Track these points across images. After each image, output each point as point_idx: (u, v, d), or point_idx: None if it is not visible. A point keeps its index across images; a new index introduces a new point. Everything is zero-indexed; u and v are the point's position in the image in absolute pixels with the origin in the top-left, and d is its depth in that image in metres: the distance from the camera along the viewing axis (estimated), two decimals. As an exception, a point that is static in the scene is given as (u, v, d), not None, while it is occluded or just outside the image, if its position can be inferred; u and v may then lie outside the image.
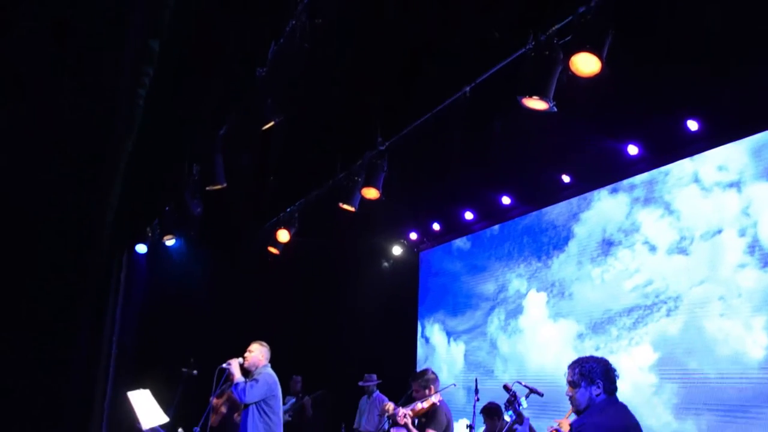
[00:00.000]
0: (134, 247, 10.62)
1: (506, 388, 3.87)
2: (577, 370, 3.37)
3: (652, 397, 6.24)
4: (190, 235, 10.25)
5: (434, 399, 5.21)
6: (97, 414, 10.06)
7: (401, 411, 5.17)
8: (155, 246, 10.67)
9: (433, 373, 5.53)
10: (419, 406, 5.21)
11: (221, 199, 8.49)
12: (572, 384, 3.37)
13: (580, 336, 7.19)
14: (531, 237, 8.26)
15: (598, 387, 3.30)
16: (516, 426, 3.73)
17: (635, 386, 6.42)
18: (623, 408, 3.37)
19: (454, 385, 6.42)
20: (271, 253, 9.86)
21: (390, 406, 5.30)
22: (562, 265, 7.67)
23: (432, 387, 5.37)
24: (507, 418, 4.56)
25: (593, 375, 3.31)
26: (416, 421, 5.23)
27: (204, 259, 11.01)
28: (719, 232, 5.92)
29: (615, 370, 3.40)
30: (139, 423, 6.79)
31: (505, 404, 3.83)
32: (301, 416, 9.52)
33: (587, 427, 3.23)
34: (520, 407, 3.73)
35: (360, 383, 9.17)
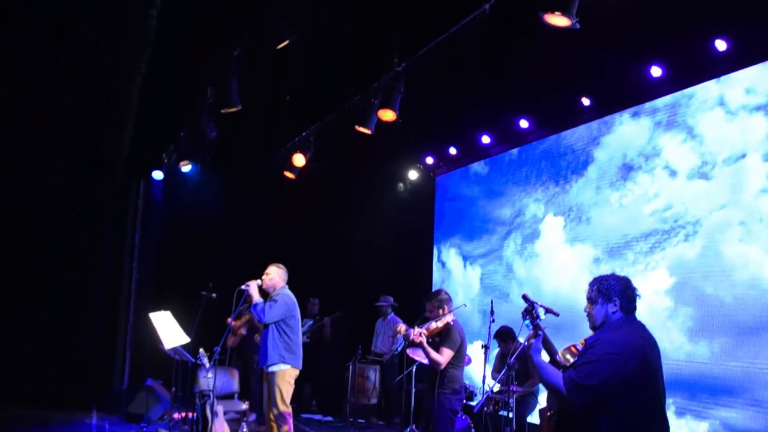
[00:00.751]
0: (150, 174, 10.66)
1: (525, 297, 3.84)
2: (595, 287, 3.38)
3: (667, 321, 6.29)
4: (205, 161, 10.25)
5: (448, 318, 5.25)
6: (120, 337, 10.38)
7: (416, 330, 5.23)
8: (171, 172, 10.70)
9: (446, 293, 5.55)
10: (434, 325, 5.26)
11: (236, 123, 8.44)
12: (590, 300, 3.39)
13: (596, 260, 7.19)
14: (549, 161, 8.15)
15: (615, 305, 3.31)
16: (532, 340, 3.66)
17: (650, 310, 6.45)
18: (640, 327, 3.36)
19: (465, 305, 6.47)
20: (287, 177, 9.87)
21: (402, 327, 5.37)
22: (580, 189, 7.59)
23: (446, 307, 5.41)
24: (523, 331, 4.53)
25: (611, 292, 3.31)
26: (430, 341, 5.30)
27: (220, 184, 11.03)
28: (743, 156, 5.79)
29: (635, 290, 3.39)
30: (161, 344, 6.98)
31: (522, 313, 3.78)
32: (319, 337, 9.73)
33: (600, 342, 3.24)
34: (539, 319, 3.69)
35: (376, 303, 9.31)
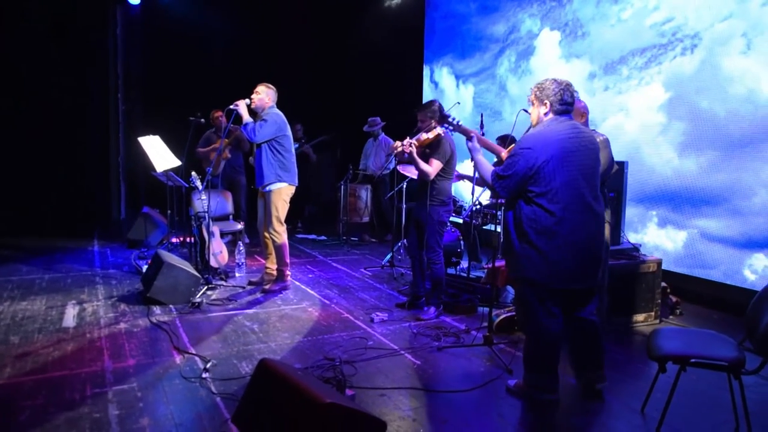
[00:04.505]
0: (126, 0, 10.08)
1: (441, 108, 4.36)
2: (533, 91, 3.65)
3: (658, 136, 6.29)
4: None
5: (439, 130, 5.17)
6: (113, 167, 10.40)
7: (406, 141, 5.21)
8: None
9: (438, 104, 5.38)
10: (424, 136, 5.21)
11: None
12: (530, 102, 3.69)
13: (592, 76, 7.03)
14: (546, -28, 7.71)
15: (546, 106, 3.55)
16: (468, 143, 3.99)
17: (643, 125, 6.43)
18: (568, 126, 3.50)
19: (458, 103, 6.38)
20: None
21: (398, 143, 5.31)
22: (576, 3, 7.25)
23: (437, 117, 5.31)
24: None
25: (543, 95, 3.54)
26: (421, 152, 5.29)
27: (200, 4, 10.49)
28: (752, -38, 5.46)
29: (572, 93, 3.56)
30: (153, 169, 6.98)
31: (439, 122, 4.30)
32: (305, 162, 9.77)
33: (521, 139, 3.55)
34: (457, 123, 4.16)
35: (365, 128, 9.23)
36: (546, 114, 3.55)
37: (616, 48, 6.74)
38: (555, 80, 3.56)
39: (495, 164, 4.02)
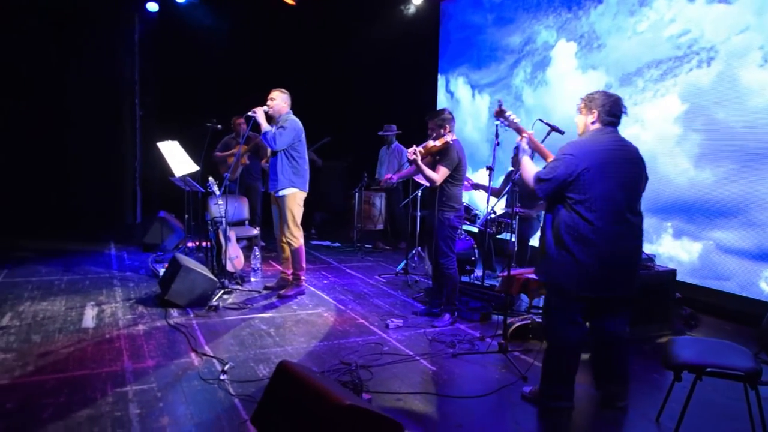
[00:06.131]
0: (145, 6, 10.23)
1: (499, 102, 4.25)
2: (582, 100, 3.69)
3: (674, 148, 6.30)
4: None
5: (448, 138, 5.26)
6: (129, 172, 10.53)
7: (411, 149, 5.28)
8: (166, 4, 10.26)
9: (450, 113, 5.49)
10: (431, 143, 5.29)
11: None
12: (578, 110, 3.72)
13: (608, 87, 7.06)
14: (562, -15, 7.76)
15: (594, 116, 3.60)
16: (518, 141, 3.94)
17: (658, 137, 6.45)
18: (613, 138, 3.55)
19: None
20: (286, 2, 9.47)
21: (409, 150, 5.38)
22: (593, 15, 7.29)
23: (447, 126, 5.39)
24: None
25: (593, 105, 3.60)
26: (432, 159, 5.38)
27: (216, 12, 10.62)
28: (769, -24, 5.49)
29: (621, 107, 3.60)
30: (171, 174, 7.06)
31: (495, 115, 4.21)
32: (313, 169, 9.80)
33: (565, 146, 3.56)
34: (511, 120, 4.10)
35: (379, 133, 9.30)
36: (593, 123, 3.60)
37: (633, 60, 6.78)
38: (605, 92, 3.62)
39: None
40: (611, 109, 3.55)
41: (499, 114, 4.09)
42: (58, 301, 5.71)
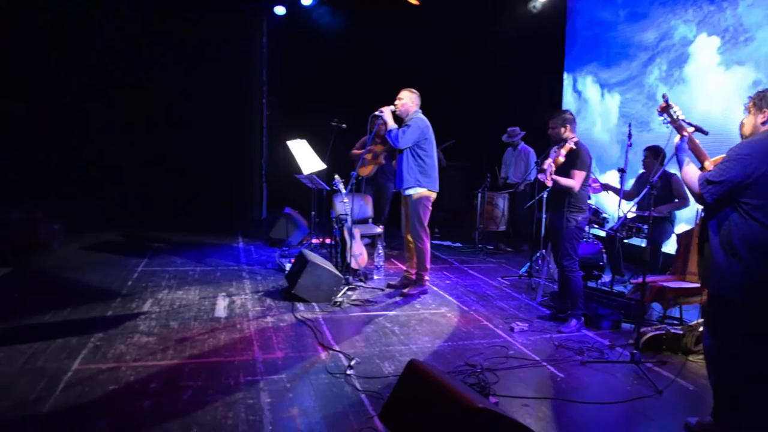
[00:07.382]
0: (273, 10, 10.63)
1: (664, 96, 3.78)
2: (751, 98, 3.34)
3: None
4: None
5: (570, 144, 5.21)
6: (256, 169, 11.00)
7: (546, 173, 5.27)
8: (293, 6, 10.61)
9: (571, 114, 5.46)
10: (559, 159, 5.24)
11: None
12: (746, 110, 3.36)
13: (756, 83, 6.54)
14: (704, -25, 7.28)
15: (765, 115, 3.24)
16: (678, 140, 3.55)
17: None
18: None
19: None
20: (410, 2, 9.53)
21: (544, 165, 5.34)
22: (741, 7, 6.78)
23: (568, 126, 5.32)
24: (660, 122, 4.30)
25: (763, 103, 3.24)
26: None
27: (342, 13, 10.86)
28: None
29: None
30: (299, 171, 7.26)
31: (658, 110, 3.77)
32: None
33: (738, 145, 3.22)
34: (678, 118, 3.63)
35: (504, 138, 9.15)
36: (764, 123, 3.24)
37: (785, 53, 6.24)
38: None
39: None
40: None
41: (664, 109, 3.75)
42: (192, 290, 6.03)
